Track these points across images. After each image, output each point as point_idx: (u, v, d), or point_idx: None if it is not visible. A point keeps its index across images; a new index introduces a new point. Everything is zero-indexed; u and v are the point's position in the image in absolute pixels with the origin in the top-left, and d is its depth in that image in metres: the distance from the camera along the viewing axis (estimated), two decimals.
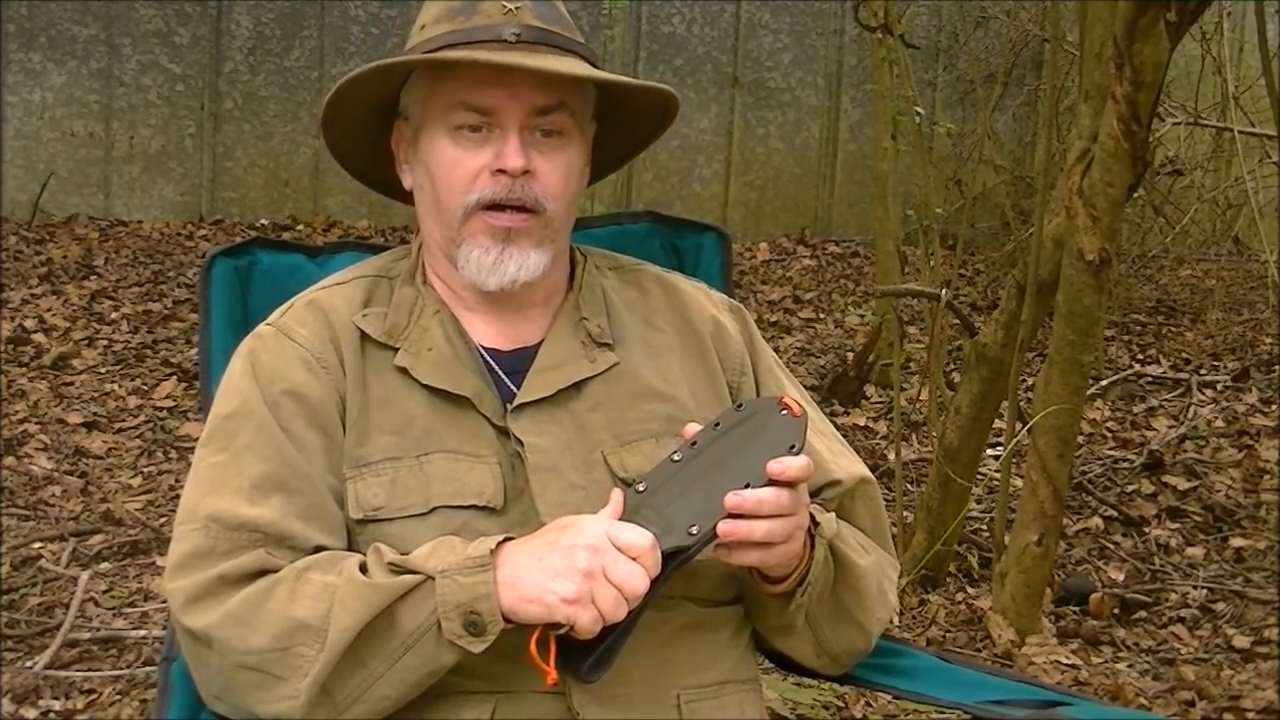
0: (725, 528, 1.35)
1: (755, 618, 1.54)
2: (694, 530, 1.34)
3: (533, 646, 1.31)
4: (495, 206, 1.49)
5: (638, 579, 1.30)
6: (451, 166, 1.50)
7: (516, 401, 1.49)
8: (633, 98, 1.57)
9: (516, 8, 1.50)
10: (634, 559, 1.31)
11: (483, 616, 1.32)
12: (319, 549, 1.41)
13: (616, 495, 1.38)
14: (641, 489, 1.38)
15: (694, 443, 1.40)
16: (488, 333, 1.55)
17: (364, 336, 1.51)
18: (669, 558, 1.34)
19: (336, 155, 1.62)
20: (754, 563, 1.40)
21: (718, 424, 1.41)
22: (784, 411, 1.40)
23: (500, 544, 1.35)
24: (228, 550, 1.40)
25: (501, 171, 1.47)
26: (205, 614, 1.38)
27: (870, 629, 1.57)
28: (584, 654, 1.33)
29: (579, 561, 1.31)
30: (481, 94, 1.47)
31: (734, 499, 1.35)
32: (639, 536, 1.32)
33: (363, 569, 1.37)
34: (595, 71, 1.51)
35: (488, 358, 1.53)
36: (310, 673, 1.34)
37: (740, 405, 1.44)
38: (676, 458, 1.39)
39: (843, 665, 1.59)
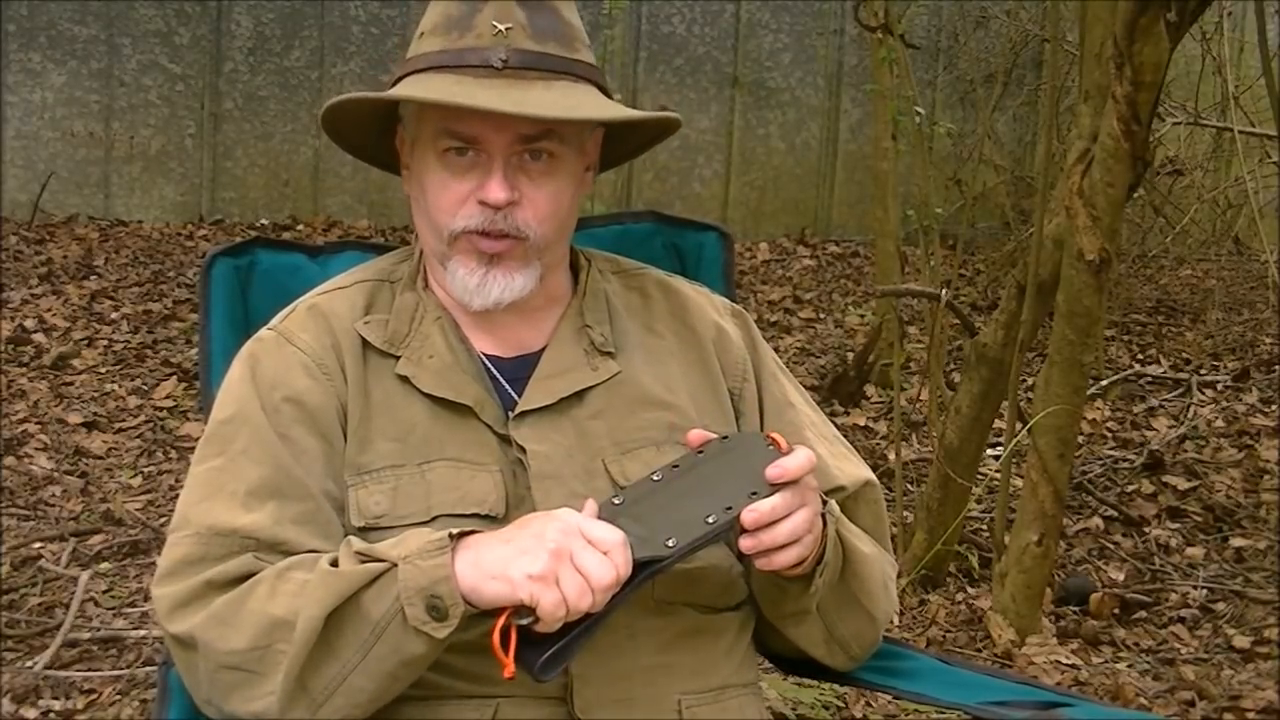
0: (747, 543, 1.35)
1: (770, 606, 1.52)
2: (670, 543, 1.32)
3: (495, 636, 1.28)
4: (480, 233, 1.48)
5: (605, 570, 1.28)
6: (439, 188, 1.49)
7: (518, 409, 1.49)
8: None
9: (508, 28, 1.46)
10: (604, 554, 1.29)
11: (443, 600, 1.30)
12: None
13: (590, 505, 1.36)
14: (618, 502, 1.36)
15: (675, 465, 1.40)
16: (489, 339, 1.54)
17: (365, 343, 1.51)
18: (641, 567, 1.32)
19: (347, 149, 1.61)
20: (791, 560, 1.38)
21: (701, 451, 1.41)
22: (770, 445, 1.40)
23: (467, 533, 1.33)
24: (218, 557, 1.40)
25: (485, 203, 1.46)
26: (189, 618, 1.38)
27: (876, 615, 1.56)
28: (540, 650, 1.30)
29: (548, 541, 1.29)
30: (466, 123, 1.45)
31: (750, 514, 1.34)
32: (610, 532, 1.31)
33: (334, 564, 1.36)
34: (576, 111, 1.45)
35: (489, 365, 1.52)
36: (284, 666, 1.33)
37: (726, 437, 1.43)
38: (656, 477, 1.38)
39: (851, 654, 1.58)
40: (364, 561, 1.34)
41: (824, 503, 1.46)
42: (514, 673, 1.28)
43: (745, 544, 1.36)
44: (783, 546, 1.37)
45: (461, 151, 1.47)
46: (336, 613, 1.33)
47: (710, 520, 1.34)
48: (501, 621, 1.28)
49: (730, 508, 1.35)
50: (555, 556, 1.28)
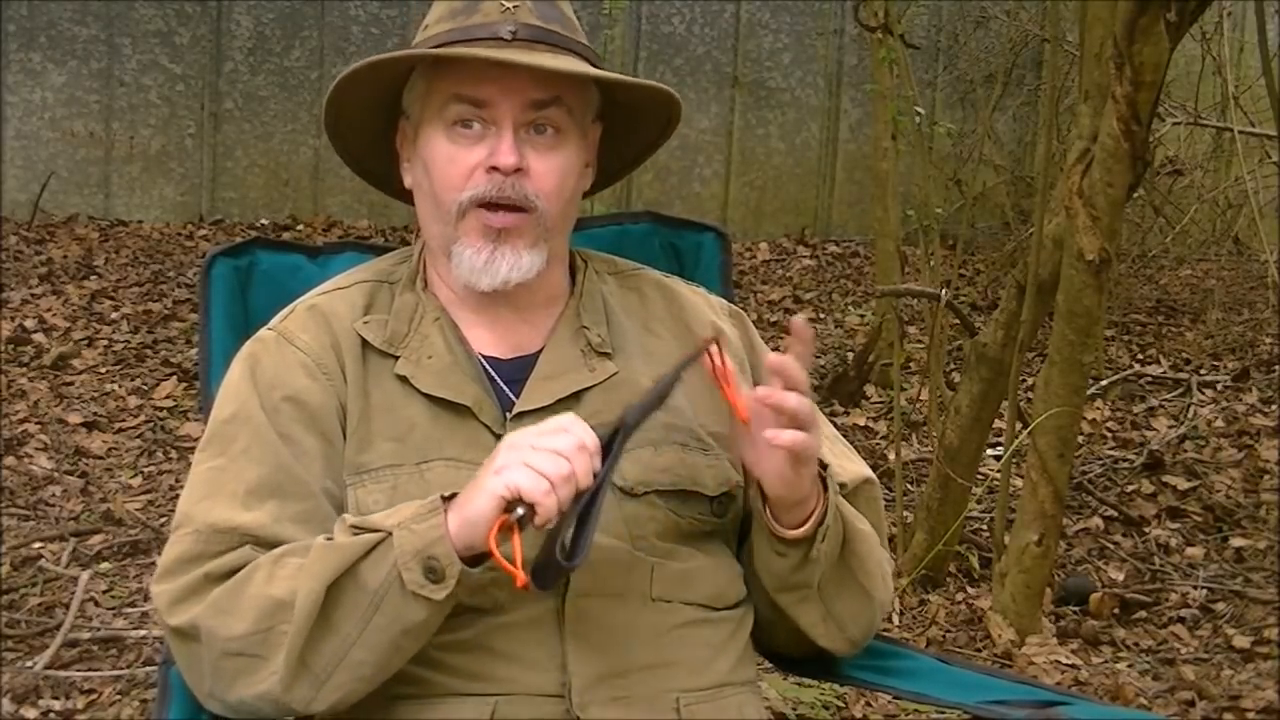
0: (761, 391, 1.39)
1: (772, 578, 1.51)
2: (632, 404, 1.38)
3: (492, 542, 1.29)
4: (489, 205, 1.49)
5: (568, 438, 1.32)
6: (447, 163, 1.50)
7: (516, 410, 1.50)
8: (635, 98, 1.57)
9: (514, 6, 1.50)
10: (562, 430, 1.34)
11: (440, 560, 1.32)
12: None
13: None
14: None
15: None
16: (488, 339, 1.55)
17: (365, 343, 1.51)
18: (612, 440, 1.36)
19: (343, 155, 1.62)
20: (800, 443, 1.38)
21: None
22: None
23: (455, 495, 1.36)
24: (216, 553, 1.41)
25: (495, 169, 1.48)
26: (189, 610, 1.40)
27: (873, 594, 1.56)
28: (550, 550, 1.34)
29: (503, 447, 1.34)
30: (476, 87, 1.48)
31: (775, 357, 1.40)
32: (558, 419, 1.36)
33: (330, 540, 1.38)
34: (588, 68, 1.51)
35: (487, 366, 1.53)
36: (285, 645, 1.34)
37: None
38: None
39: (848, 634, 1.57)
40: (358, 533, 1.36)
41: (824, 466, 1.47)
42: (526, 581, 1.29)
43: (760, 392, 1.38)
44: (792, 426, 1.38)
45: (469, 124, 1.49)
46: (334, 586, 1.34)
47: (664, 374, 1.41)
48: (497, 526, 1.30)
49: (680, 364, 1.41)
50: (511, 448, 1.33)
